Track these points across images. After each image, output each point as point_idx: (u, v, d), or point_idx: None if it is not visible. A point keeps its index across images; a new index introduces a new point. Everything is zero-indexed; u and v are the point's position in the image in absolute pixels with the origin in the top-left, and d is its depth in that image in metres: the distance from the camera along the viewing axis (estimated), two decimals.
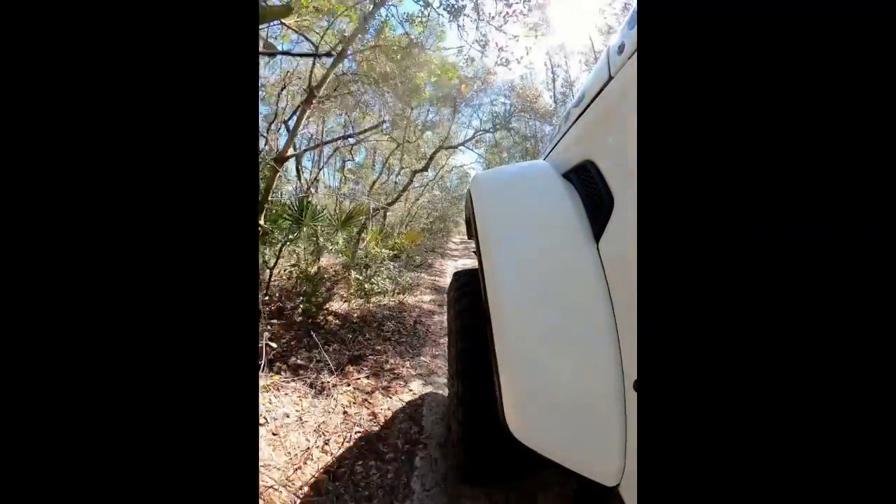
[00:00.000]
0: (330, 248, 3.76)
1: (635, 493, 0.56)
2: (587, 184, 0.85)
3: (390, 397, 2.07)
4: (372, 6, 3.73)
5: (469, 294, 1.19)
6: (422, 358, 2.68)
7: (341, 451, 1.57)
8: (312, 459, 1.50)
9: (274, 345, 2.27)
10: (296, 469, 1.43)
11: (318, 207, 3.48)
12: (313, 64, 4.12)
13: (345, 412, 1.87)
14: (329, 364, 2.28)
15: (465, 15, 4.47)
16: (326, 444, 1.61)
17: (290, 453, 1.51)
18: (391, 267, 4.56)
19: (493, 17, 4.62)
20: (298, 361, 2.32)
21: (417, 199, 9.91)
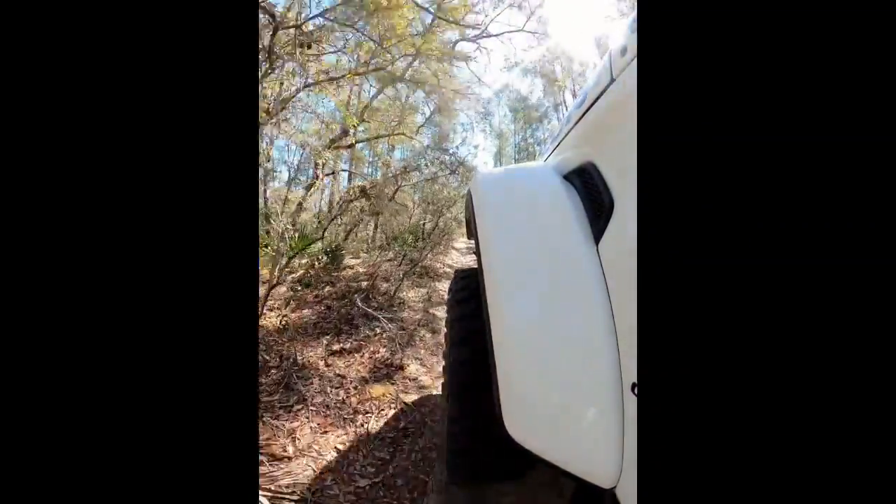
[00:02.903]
0: None
1: (631, 496, 0.57)
2: (588, 186, 0.85)
3: None
4: None
5: (468, 292, 1.20)
6: None
7: None
8: None
9: None
10: None
11: None
12: None
13: None
14: None
15: None
16: None
17: None
18: None
19: None
20: None
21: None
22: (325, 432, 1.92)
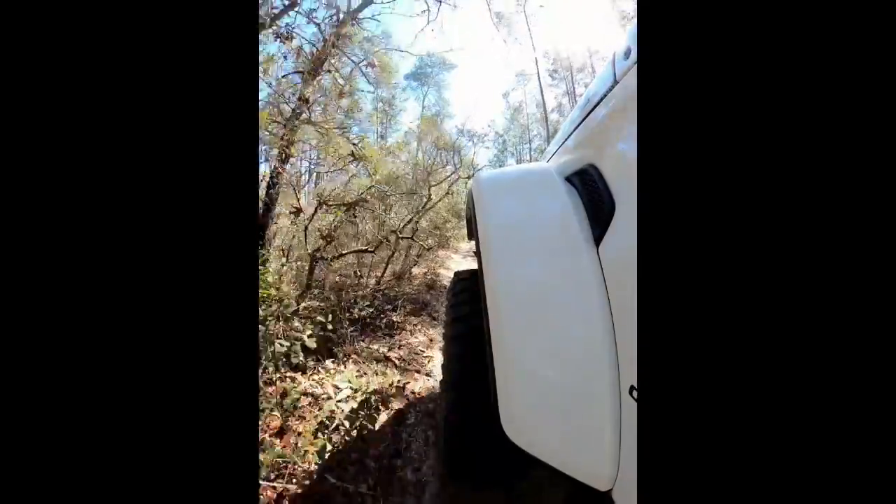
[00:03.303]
0: None
1: (628, 499, 0.57)
2: (589, 188, 0.85)
3: None
4: None
5: (467, 291, 1.20)
6: None
7: None
8: None
9: None
10: None
11: None
12: None
13: None
14: None
15: None
16: None
17: None
18: None
19: None
20: None
21: None
22: None
